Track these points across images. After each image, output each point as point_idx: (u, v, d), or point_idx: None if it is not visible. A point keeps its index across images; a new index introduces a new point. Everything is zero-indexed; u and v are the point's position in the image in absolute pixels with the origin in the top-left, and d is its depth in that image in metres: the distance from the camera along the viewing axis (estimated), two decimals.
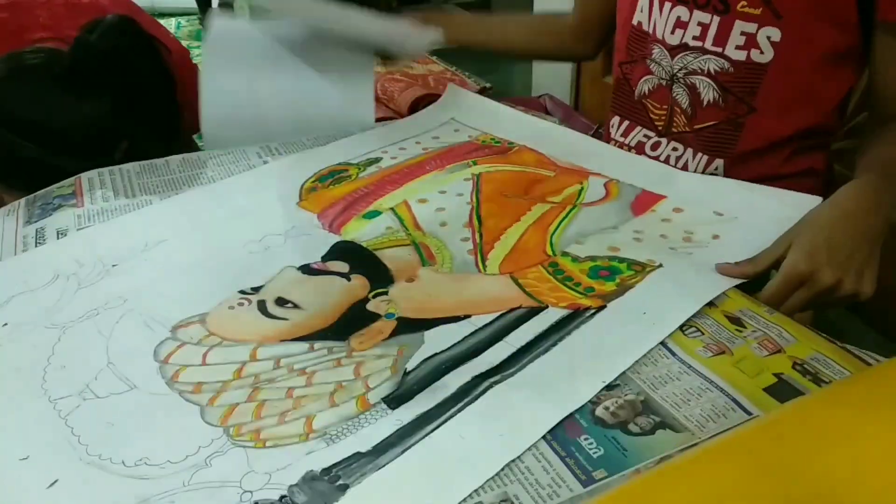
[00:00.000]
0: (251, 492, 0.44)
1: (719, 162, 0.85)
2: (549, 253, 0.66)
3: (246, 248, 0.69)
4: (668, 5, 0.83)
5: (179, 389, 0.52)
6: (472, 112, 0.98)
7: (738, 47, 0.78)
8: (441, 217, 0.72)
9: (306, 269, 0.65)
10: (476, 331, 0.56)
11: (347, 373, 0.53)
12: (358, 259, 0.66)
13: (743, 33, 0.77)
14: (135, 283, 0.64)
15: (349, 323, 0.58)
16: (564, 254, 0.65)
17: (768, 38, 0.76)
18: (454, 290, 0.62)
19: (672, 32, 0.82)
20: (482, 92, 1.12)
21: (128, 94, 0.89)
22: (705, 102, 0.83)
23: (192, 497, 0.43)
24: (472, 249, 0.67)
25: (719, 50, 0.79)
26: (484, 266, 0.65)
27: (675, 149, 0.88)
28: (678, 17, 0.82)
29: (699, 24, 0.80)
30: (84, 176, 0.82)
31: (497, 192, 0.76)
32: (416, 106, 1.45)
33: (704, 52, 0.80)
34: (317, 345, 0.56)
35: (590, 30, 1.02)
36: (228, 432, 0.48)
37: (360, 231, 0.71)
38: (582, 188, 0.77)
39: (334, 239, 0.70)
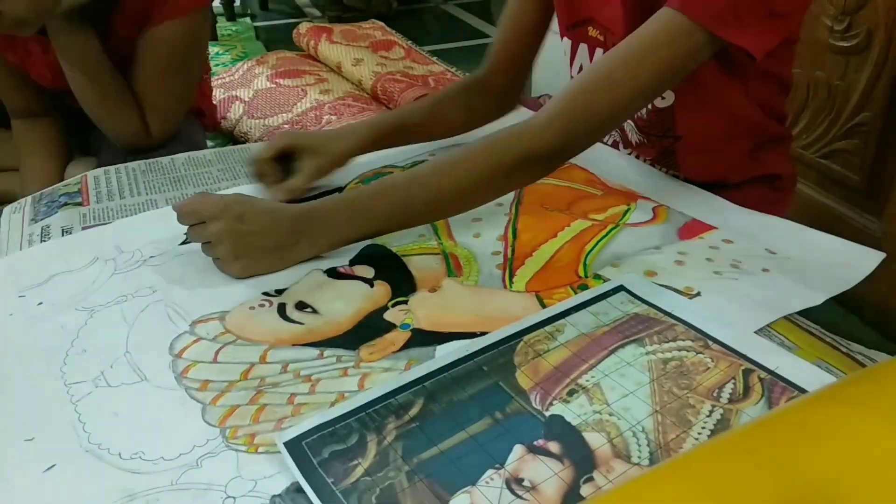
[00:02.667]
0: (234, 497, 0.44)
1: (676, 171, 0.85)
2: (581, 274, 0.63)
3: None
4: (599, 52, 0.81)
5: (186, 385, 0.52)
6: None
7: None
8: (476, 227, 0.71)
9: (332, 273, 0.65)
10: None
11: (352, 384, 0.52)
12: (384, 264, 0.66)
13: None
14: (167, 275, 0.65)
15: (363, 331, 0.57)
16: (597, 276, 0.63)
17: None
18: (475, 304, 0.60)
19: None
20: None
21: None
22: (635, 142, 0.85)
23: (177, 497, 0.44)
24: (501, 264, 0.65)
25: None
26: (511, 282, 0.63)
27: (637, 156, 0.89)
28: None
29: None
30: (90, 174, 0.85)
31: (538, 204, 0.74)
32: None
33: None
34: (326, 352, 0.55)
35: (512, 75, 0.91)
36: (224, 434, 0.48)
37: (391, 236, 0.70)
38: (629, 209, 0.73)
39: (365, 242, 0.69)
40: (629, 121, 0.83)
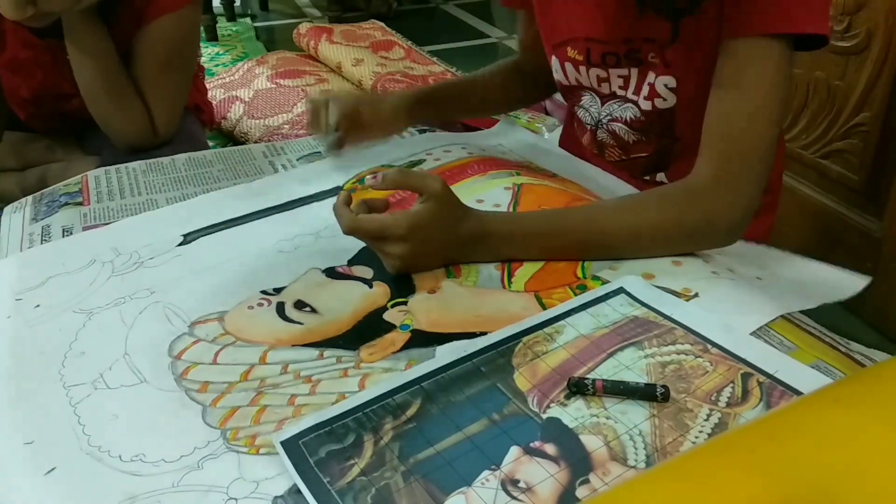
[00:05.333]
0: (236, 499, 0.44)
1: (661, 175, 0.86)
2: (580, 275, 0.63)
3: (276, 246, 0.69)
4: (583, 68, 0.81)
5: (186, 387, 0.52)
6: (520, 144, 0.95)
7: (644, 98, 0.78)
8: None
9: (331, 273, 0.65)
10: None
11: (352, 384, 0.52)
12: (383, 265, 0.66)
13: (648, 84, 0.77)
14: (165, 276, 0.65)
15: (363, 331, 0.58)
16: (595, 277, 0.63)
17: (665, 85, 0.76)
18: (474, 304, 0.60)
19: (599, 85, 0.82)
20: None
21: None
22: (631, 142, 0.84)
23: (179, 499, 0.44)
24: (499, 264, 0.65)
25: (635, 98, 0.79)
26: (510, 283, 0.63)
27: (630, 157, 0.87)
28: (597, 76, 0.81)
29: (619, 76, 0.79)
30: (91, 174, 0.85)
31: (536, 205, 0.74)
32: None
33: (626, 100, 0.81)
34: (326, 353, 0.55)
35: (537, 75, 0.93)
36: (225, 435, 0.48)
37: None
38: None
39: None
40: (620, 123, 0.83)
